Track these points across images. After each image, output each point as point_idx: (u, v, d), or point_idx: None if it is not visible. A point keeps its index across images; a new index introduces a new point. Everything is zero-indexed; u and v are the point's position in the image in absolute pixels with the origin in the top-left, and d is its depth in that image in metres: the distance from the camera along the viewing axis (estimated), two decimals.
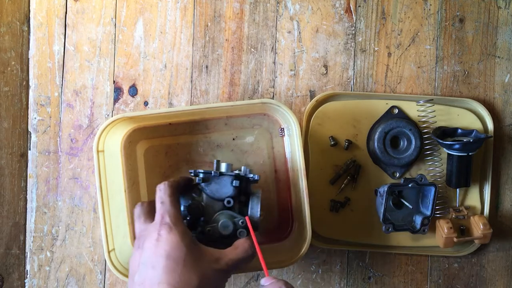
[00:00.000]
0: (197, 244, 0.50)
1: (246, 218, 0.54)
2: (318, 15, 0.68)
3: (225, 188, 0.56)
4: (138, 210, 0.54)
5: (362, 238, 0.67)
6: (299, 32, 0.68)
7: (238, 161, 0.65)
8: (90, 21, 0.68)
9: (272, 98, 0.68)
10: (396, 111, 0.67)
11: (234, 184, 0.55)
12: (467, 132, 0.65)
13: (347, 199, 0.67)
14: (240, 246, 0.52)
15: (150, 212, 0.54)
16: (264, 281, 0.44)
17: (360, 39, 0.68)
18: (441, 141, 0.63)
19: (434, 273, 0.68)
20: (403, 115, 0.66)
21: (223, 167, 0.57)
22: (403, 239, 0.67)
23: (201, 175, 0.56)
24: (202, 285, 0.47)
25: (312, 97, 0.68)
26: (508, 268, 0.68)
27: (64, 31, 0.69)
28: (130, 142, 0.64)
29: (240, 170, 0.57)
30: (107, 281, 0.68)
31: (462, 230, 0.66)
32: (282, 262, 0.61)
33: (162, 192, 0.52)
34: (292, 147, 0.63)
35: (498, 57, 0.69)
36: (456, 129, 0.65)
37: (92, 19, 0.68)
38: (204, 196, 0.55)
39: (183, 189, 0.55)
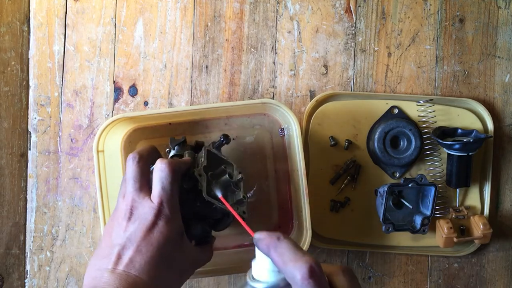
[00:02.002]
0: (185, 241, 0.50)
1: (221, 198, 0.53)
2: (318, 15, 0.68)
3: (217, 212, 0.55)
4: (134, 170, 0.50)
5: (362, 238, 0.67)
6: (299, 32, 0.68)
7: (238, 161, 0.65)
8: (90, 21, 0.68)
9: (272, 98, 0.68)
10: (396, 111, 0.67)
11: (228, 220, 0.56)
12: (467, 132, 0.65)
13: (347, 199, 0.67)
14: (208, 251, 0.55)
15: (145, 177, 0.51)
16: (258, 234, 0.38)
17: (360, 39, 0.68)
18: (441, 141, 0.63)
19: (434, 273, 0.68)
20: (403, 115, 0.66)
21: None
22: (403, 239, 0.67)
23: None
24: (180, 282, 0.50)
25: (312, 97, 0.68)
26: (508, 268, 0.68)
27: (64, 31, 0.69)
28: (130, 142, 0.64)
29: (237, 174, 0.57)
30: None
31: (462, 230, 0.66)
32: None
33: (164, 174, 0.49)
34: (292, 147, 0.63)
35: (498, 57, 0.69)
36: (456, 129, 0.65)
37: (92, 19, 0.68)
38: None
39: (182, 173, 0.53)
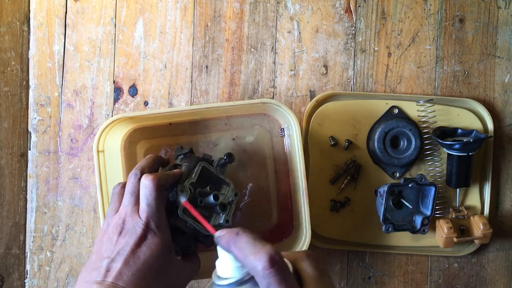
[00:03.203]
0: (172, 255, 0.51)
1: (184, 203, 0.52)
2: (318, 15, 0.68)
3: (191, 230, 0.54)
4: (133, 186, 0.52)
5: (362, 238, 0.67)
6: (299, 32, 0.68)
7: (238, 162, 0.65)
8: (90, 21, 0.68)
9: (272, 98, 0.68)
10: (396, 111, 0.67)
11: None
12: (467, 132, 0.65)
13: (347, 199, 0.67)
14: (194, 260, 0.56)
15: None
16: (219, 232, 0.39)
17: (360, 39, 0.68)
18: (441, 141, 0.63)
19: (434, 273, 0.68)
20: (403, 115, 0.66)
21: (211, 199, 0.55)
22: (403, 239, 0.67)
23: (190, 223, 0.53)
24: None
25: (312, 97, 0.68)
26: (508, 268, 0.69)
27: (64, 31, 0.69)
28: (130, 142, 0.64)
29: (233, 195, 0.57)
30: None
31: (462, 230, 0.66)
32: None
33: (148, 191, 0.50)
34: (292, 147, 0.63)
35: (498, 57, 0.69)
36: (456, 129, 0.65)
37: (92, 19, 0.68)
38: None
39: (169, 186, 0.54)
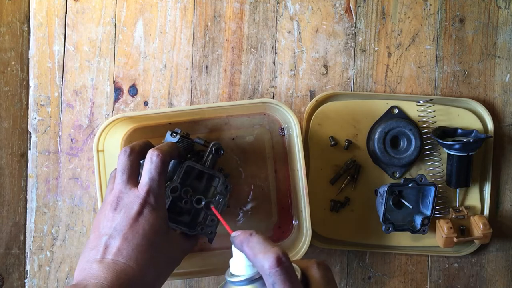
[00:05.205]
0: (170, 230, 0.52)
1: (212, 208, 0.55)
2: (318, 15, 0.68)
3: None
4: (124, 163, 0.52)
5: (362, 238, 0.67)
6: (299, 32, 0.68)
7: (238, 160, 0.65)
8: (90, 21, 0.68)
9: (272, 98, 0.68)
10: (396, 111, 0.67)
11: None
12: (467, 132, 0.65)
13: (347, 199, 0.67)
14: (193, 237, 0.56)
15: (134, 170, 0.52)
16: (234, 233, 0.42)
17: (360, 39, 0.68)
18: (441, 141, 0.63)
19: (434, 273, 0.68)
20: (403, 115, 0.66)
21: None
22: (403, 239, 0.67)
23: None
24: (168, 268, 0.52)
25: (312, 97, 0.68)
26: (508, 268, 0.68)
27: (64, 31, 0.69)
28: (130, 142, 0.64)
29: (224, 189, 0.57)
30: None
31: (462, 230, 0.66)
32: None
33: (153, 166, 0.51)
34: (292, 147, 0.63)
35: (498, 57, 0.69)
36: (456, 129, 0.65)
37: (92, 19, 0.68)
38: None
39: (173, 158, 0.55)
